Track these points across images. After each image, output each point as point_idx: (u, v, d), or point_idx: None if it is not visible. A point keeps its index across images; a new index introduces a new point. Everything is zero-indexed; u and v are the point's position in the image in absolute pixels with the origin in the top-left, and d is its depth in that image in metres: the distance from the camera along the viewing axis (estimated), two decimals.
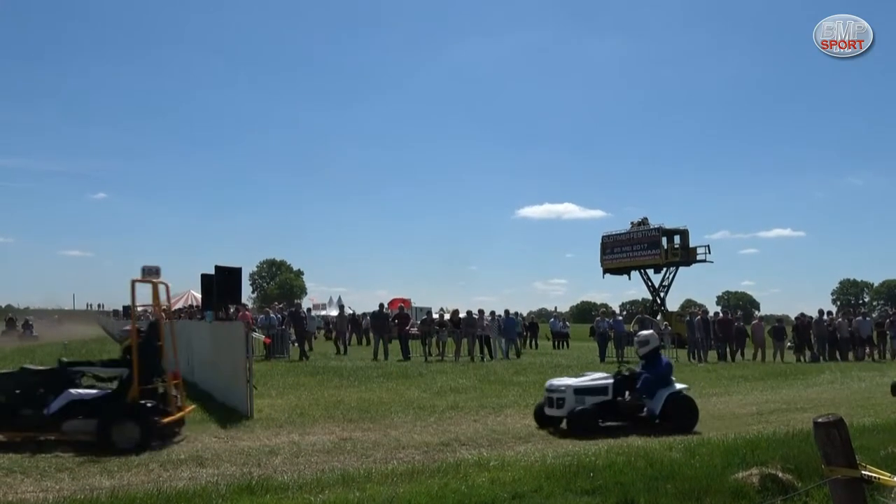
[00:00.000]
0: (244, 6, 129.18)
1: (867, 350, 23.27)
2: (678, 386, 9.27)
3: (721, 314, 24.51)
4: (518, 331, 25.40)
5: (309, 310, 28.17)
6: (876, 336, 23.71)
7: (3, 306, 77.32)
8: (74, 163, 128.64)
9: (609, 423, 8.93)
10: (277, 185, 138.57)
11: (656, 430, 8.62)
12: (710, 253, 39.24)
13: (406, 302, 36.74)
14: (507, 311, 24.08)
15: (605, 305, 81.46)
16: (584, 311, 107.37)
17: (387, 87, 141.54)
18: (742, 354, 23.24)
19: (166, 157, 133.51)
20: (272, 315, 21.93)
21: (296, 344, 21.25)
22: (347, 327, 26.23)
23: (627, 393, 9.23)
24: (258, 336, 18.38)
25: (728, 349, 22.56)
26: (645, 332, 10.19)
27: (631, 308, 70.75)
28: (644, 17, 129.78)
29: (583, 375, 9.59)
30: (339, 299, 48.92)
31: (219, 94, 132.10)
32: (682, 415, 8.97)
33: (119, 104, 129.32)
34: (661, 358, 9.52)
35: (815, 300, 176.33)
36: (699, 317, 22.94)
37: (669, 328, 28.59)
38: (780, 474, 5.58)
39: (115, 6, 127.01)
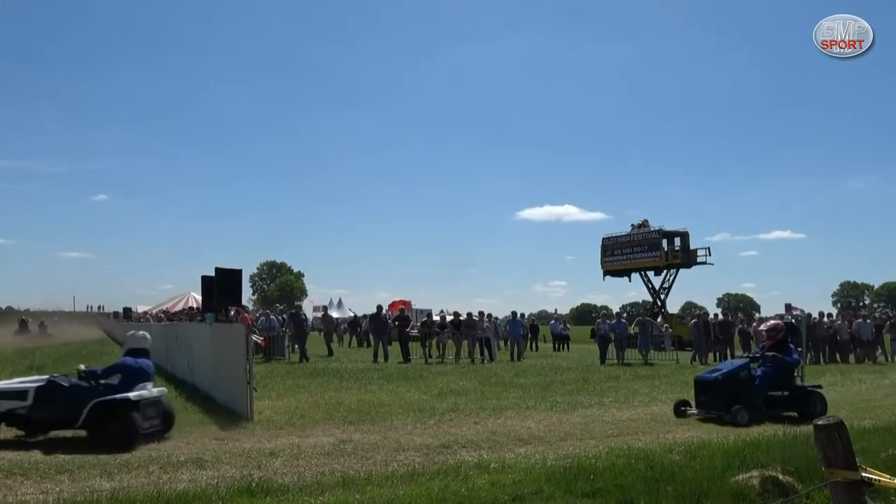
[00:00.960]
0: (245, 10, 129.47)
1: (877, 352, 23.28)
2: (135, 394, 7.65)
3: (722, 316, 24.54)
4: (523, 333, 25.49)
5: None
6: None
7: (4, 308, 77.38)
8: (75, 165, 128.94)
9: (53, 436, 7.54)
10: (277, 187, 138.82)
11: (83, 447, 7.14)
12: (710, 255, 39.34)
13: (406, 304, 36.78)
14: (514, 313, 24.15)
15: (606, 307, 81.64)
16: (585, 314, 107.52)
17: (387, 90, 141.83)
18: None
19: (167, 159, 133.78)
20: (272, 317, 21.93)
21: (296, 346, 21.24)
22: (335, 329, 26.13)
23: None
24: (255, 338, 18.35)
25: (729, 351, 22.56)
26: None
27: (631, 310, 70.78)
28: (643, 19, 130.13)
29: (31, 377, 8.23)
30: (340, 301, 49.02)
31: (220, 97, 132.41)
32: (107, 427, 7.32)
33: (120, 106, 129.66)
34: (121, 359, 7.93)
35: (815, 302, 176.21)
36: (699, 319, 22.99)
37: (670, 330, 28.63)
38: (781, 476, 5.58)
39: (116, 9, 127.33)
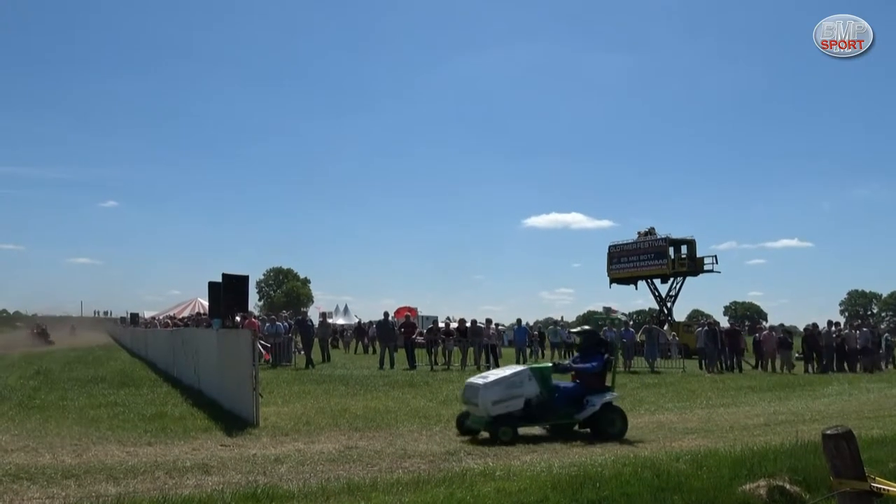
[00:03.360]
0: (249, 18, 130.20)
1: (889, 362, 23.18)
2: None
3: (728, 325, 24.53)
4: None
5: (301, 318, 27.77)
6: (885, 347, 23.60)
7: (12, 313, 77.85)
8: (84, 171, 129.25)
9: None
10: (284, 194, 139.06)
11: None
12: (717, 263, 39.29)
13: (412, 311, 36.77)
14: (518, 321, 24.17)
15: None
16: (591, 321, 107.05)
17: (393, 96, 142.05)
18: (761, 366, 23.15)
19: (175, 165, 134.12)
20: (278, 323, 21.97)
21: (302, 352, 21.27)
22: (332, 335, 26.21)
23: None
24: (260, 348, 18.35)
25: (736, 359, 22.49)
26: None
27: (637, 318, 70.51)
28: (647, 28, 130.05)
29: None
30: (346, 307, 49.07)
31: (226, 104, 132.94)
32: None
33: (128, 113, 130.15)
34: None
35: (823, 311, 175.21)
36: (708, 327, 22.96)
37: (676, 338, 28.52)
38: (788, 486, 5.54)
39: (123, 16, 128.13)
